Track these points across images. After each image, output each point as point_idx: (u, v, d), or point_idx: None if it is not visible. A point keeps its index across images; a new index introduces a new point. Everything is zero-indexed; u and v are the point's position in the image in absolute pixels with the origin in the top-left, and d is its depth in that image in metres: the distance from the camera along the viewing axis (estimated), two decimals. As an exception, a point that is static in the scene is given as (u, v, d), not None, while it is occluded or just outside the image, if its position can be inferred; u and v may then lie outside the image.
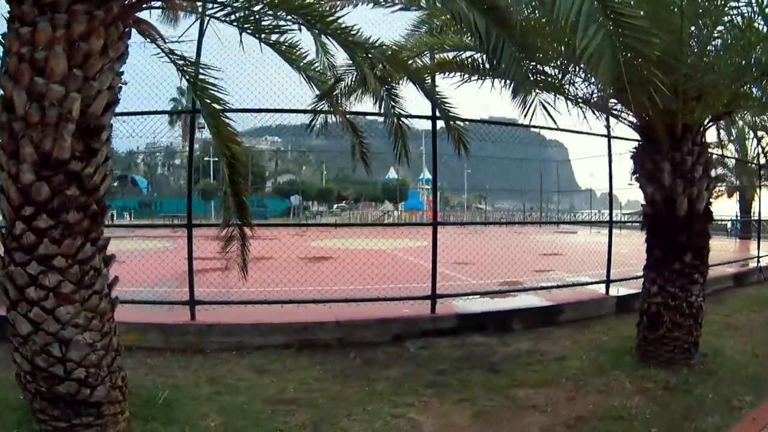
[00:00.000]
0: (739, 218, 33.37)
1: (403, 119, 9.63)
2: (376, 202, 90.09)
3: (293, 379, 8.18)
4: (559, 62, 8.90)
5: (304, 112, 10.11)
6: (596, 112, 9.91)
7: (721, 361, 8.90)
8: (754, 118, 17.25)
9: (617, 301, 13.14)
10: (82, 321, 5.52)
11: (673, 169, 8.51)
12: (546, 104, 7.88)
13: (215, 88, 8.01)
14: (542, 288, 13.73)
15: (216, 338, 9.80)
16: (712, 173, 9.57)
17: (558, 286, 14.02)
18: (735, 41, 7.74)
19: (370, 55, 7.95)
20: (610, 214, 14.76)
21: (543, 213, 69.82)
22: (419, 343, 10.27)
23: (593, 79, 8.65)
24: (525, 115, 7.65)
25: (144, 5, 6.51)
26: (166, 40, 7.45)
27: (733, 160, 28.91)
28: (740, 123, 20.18)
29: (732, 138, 25.63)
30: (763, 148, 21.52)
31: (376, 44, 8.06)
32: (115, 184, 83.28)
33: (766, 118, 17.00)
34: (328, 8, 7.53)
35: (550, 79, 9.14)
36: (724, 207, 34.75)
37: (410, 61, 9.56)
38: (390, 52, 8.56)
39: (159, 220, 47.96)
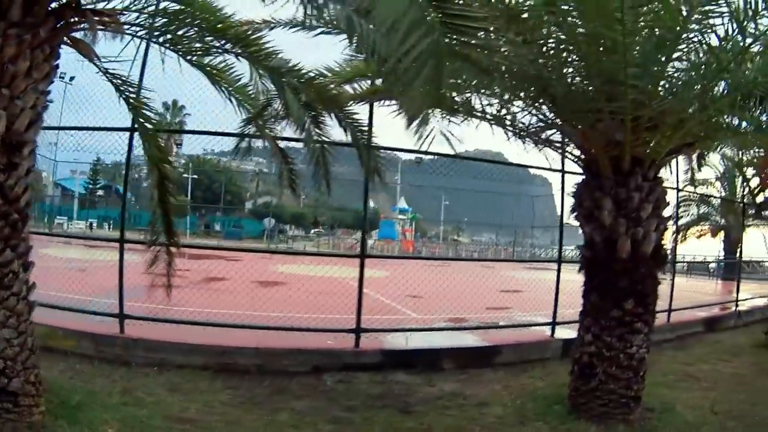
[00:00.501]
0: (721, 258, 32.72)
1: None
2: (353, 230, 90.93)
3: (199, 401, 8.17)
4: (495, 89, 8.17)
5: (231, 135, 10.15)
6: (539, 145, 9.16)
7: (668, 418, 8.16)
8: (740, 153, 16.63)
9: (563, 344, 12.03)
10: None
11: (616, 208, 7.72)
12: (448, 133, 7.67)
13: (148, 108, 8.48)
14: (478, 327, 13.26)
15: (141, 353, 9.87)
16: (671, 211, 8.83)
17: (498, 326, 13.54)
18: (701, 63, 7.05)
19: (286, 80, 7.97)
20: (559, 253, 13.91)
21: (520, 248, 69.57)
22: (338, 376, 9.93)
23: (533, 109, 8.01)
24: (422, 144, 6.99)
25: (72, 28, 6.72)
26: (102, 60, 7.73)
27: (720, 198, 28.49)
28: (719, 157, 19.68)
29: (719, 176, 25.17)
30: (749, 186, 21.04)
31: (294, 69, 8.13)
32: (100, 193, 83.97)
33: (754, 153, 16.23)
34: (244, 30, 7.84)
35: (480, 108, 8.55)
36: (709, 247, 34.28)
37: (334, 88, 9.25)
38: (307, 78, 8.38)
39: (136, 232, 48.23)
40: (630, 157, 7.66)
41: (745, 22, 6.54)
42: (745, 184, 22.14)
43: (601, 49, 6.67)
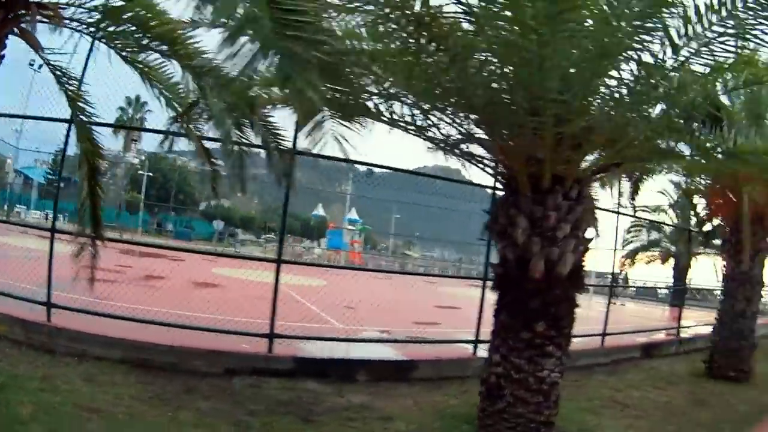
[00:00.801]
0: (669, 285, 32.78)
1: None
2: (304, 238, 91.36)
3: (111, 393, 8.27)
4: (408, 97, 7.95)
5: (157, 132, 10.56)
6: (461, 159, 8.86)
7: (583, 447, 7.87)
8: (687, 180, 16.56)
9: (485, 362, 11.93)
10: None
11: (531, 226, 7.44)
12: (341, 138, 8.00)
13: (84, 101, 8.55)
14: (395, 341, 13.44)
15: (64, 342, 10.00)
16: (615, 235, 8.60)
17: (416, 341, 13.50)
18: (634, 80, 6.80)
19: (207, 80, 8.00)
20: (485, 271, 13.58)
21: (468, 264, 69.82)
22: (249, 380, 9.89)
23: (452, 121, 7.80)
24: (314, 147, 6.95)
25: (20, 20, 6.98)
26: (45, 51, 7.84)
27: (670, 226, 28.54)
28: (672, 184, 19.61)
29: (672, 203, 25.13)
30: (696, 215, 20.98)
31: (214, 69, 8.03)
32: (62, 185, 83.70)
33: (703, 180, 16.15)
34: (171, 29, 7.82)
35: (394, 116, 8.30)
36: (660, 273, 34.33)
37: (256, 90, 9.05)
38: (225, 79, 8.08)
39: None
40: (551, 175, 7.40)
41: (680, 43, 6.41)
42: (693, 212, 22.08)
43: (519, 59, 6.44)
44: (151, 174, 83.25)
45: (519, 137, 7.25)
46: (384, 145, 9.33)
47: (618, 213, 15.76)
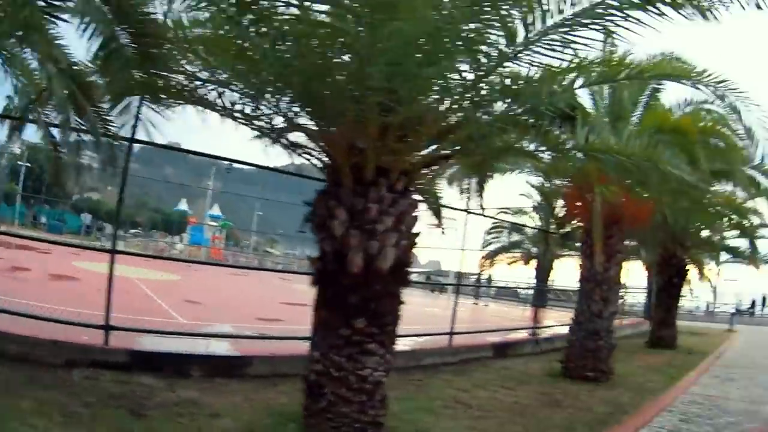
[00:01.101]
0: (530, 285, 33.42)
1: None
2: (166, 232, 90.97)
3: None
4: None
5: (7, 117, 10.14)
6: (287, 149, 8.51)
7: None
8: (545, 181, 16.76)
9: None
10: None
11: (351, 219, 7.22)
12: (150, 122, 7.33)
13: None
14: (230, 336, 13.44)
15: None
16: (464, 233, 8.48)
17: (253, 337, 13.45)
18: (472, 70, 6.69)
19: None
20: None
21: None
22: (87, 372, 9.58)
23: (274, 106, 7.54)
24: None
25: None
26: None
27: (532, 227, 29.14)
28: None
29: (536, 205, 25.59)
30: (554, 216, 21.36)
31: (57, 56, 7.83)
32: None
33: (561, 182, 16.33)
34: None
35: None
36: (524, 274, 35.08)
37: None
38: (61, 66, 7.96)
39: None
40: (374, 166, 7.22)
41: (519, 38, 6.32)
42: (551, 213, 22.52)
43: (341, 44, 6.23)
44: (29, 165, 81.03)
45: (342, 125, 7.02)
46: (249, 142, 8.97)
47: (467, 212, 15.71)
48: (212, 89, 7.91)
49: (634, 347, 23.17)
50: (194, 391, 9.42)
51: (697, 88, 10.74)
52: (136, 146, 9.74)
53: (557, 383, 13.59)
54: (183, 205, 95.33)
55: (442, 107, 7.06)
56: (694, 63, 10.80)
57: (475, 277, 40.43)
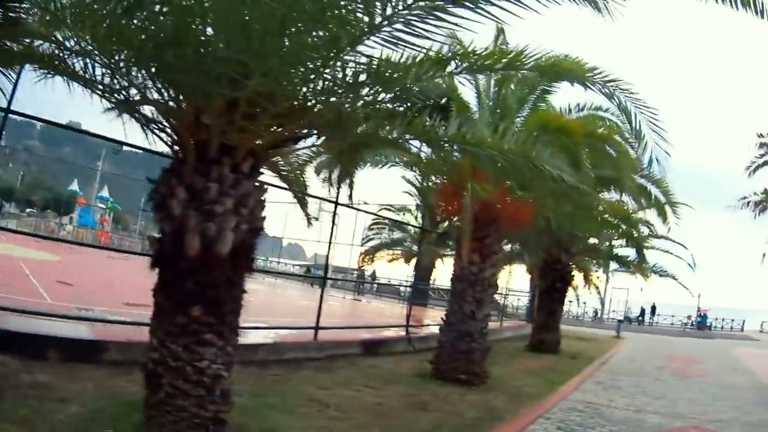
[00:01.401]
0: (410, 283, 33.51)
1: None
2: (56, 213, 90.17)
3: None
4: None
5: None
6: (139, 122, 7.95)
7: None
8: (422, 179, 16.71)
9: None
10: None
11: (191, 198, 6.86)
12: None
13: None
14: (85, 319, 12.91)
15: None
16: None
17: (111, 321, 13.10)
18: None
19: None
20: None
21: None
22: None
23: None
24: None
25: None
26: None
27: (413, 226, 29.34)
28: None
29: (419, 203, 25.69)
30: (432, 214, 21.41)
31: None
32: None
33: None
34: None
35: None
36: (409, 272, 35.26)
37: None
38: None
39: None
40: (219, 144, 6.89)
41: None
42: (429, 211, 22.61)
43: (188, 11, 5.91)
44: None
45: (190, 99, 6.68)
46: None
47: (336, 203, 15.54)
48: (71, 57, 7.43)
49: (515, 351, 23.39)
50: (49, 375, 9.10)
51: (586, 86, 10.65)
52: (39, 125, 9.31)
53: (427, 385, 13.29)
54: (74, 186, 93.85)
55: (293, 85, 6.73)
56: (584, 60, 10.57)
57: (357, 272, 40.58)
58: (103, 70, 7.19)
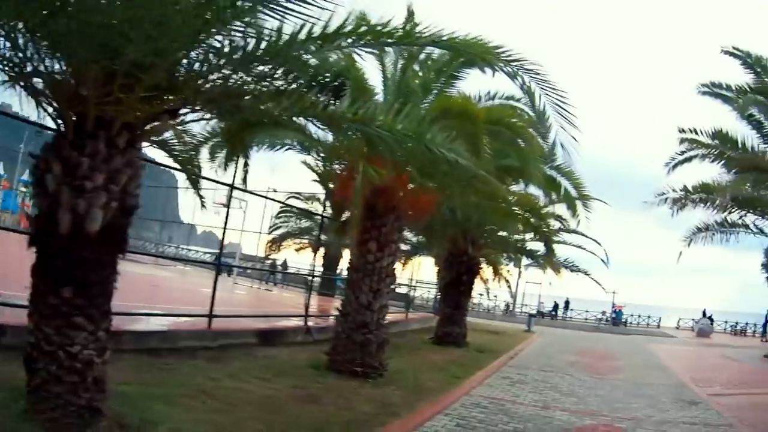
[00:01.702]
0: (317, 273, 33.46)
1: None
2: None
3: None
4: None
5: None
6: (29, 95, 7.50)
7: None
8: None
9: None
10: None
11: (65, 174, 6.65)
12: None
13: None
14: None
15: None
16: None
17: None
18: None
19: None
20: None
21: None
22: None
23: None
24: None
25: None
26: None
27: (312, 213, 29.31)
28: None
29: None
30: (332, 202, 21.36)
31: None
32: None
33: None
34: None
35: None
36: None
37: None
38: None
39: None
40: (96, 117, 6.70)
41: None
42: (330, 199, 22.51)
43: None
44: None
45: (69, 69, 6.50)
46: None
47: (232, 187, 15.32)
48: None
49: (420, 343, 23.44)
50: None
51: (487, 65, 10.37)
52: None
53: (321, 377, 13.12)
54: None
55: (171, 54, 6.57)
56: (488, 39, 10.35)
57: (266, 261, 40.31)
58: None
